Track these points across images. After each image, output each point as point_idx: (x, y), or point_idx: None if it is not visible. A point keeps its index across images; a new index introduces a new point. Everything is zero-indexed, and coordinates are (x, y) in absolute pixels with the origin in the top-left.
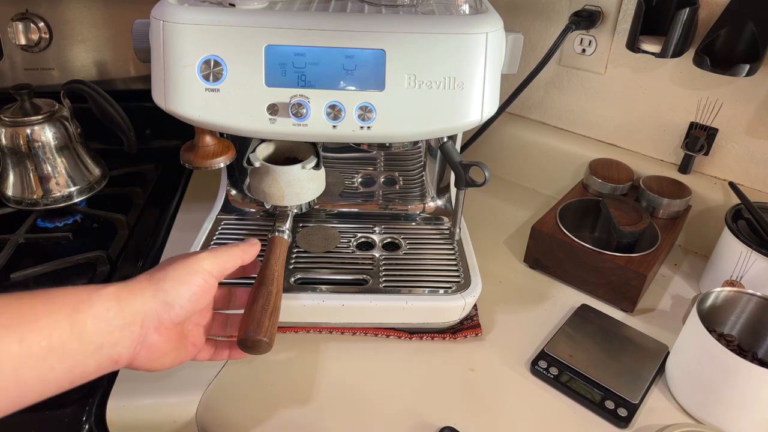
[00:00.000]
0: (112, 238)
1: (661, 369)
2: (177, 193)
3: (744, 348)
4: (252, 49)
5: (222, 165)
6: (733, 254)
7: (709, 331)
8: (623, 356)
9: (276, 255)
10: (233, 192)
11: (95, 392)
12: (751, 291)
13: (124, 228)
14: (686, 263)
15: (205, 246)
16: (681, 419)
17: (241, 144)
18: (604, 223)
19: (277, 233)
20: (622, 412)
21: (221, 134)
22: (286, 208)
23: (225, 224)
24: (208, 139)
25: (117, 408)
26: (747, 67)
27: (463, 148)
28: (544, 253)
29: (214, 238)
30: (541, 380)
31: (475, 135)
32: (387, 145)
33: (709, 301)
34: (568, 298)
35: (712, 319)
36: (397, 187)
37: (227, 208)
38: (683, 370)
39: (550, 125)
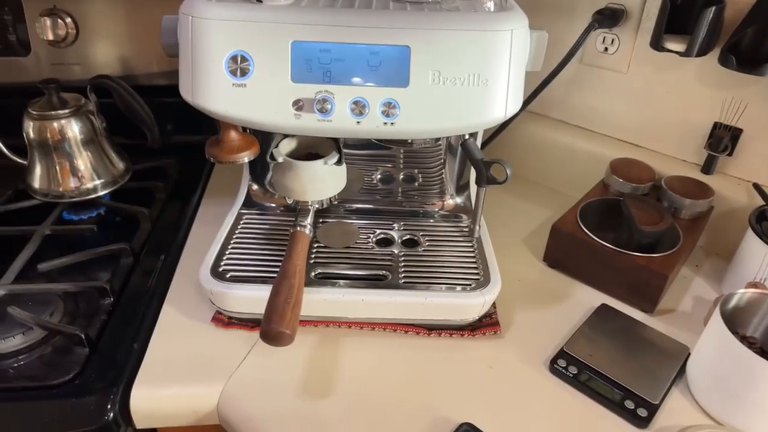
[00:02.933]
0: (134, 231)
1: (682, 370)
2: (198, 188)
3: (767, 350)
4: (278, 45)
5: (246, 160)
6: (757, 256)
7: (732, 333)
8: (643, 357)
9: (298, 250)
10: (255, 187)
11: (119, 381)
12: None
13: (147, 221)
14: (708, 265)
15: (225, 244)
16: (702, 421)
17: (263, 139)
18: (625, 223)
19: (299, 228)
20: (642, 412)
21: (245, 129)
22: (308, 203)
23: (247, 218)
24: (233, 135)
25: (140, 397)
26: None
27: (483, 145)
28: (564, 252)
29: (237, 232)
30: (560, 379)
31: (495, 133)
32: (409, 141)
33: (733, 303)
34: (588, 298)
35: (734, 321)
36: (417, 184)
37: (249, 202)
38: (704, 371)
39: (571, 124)
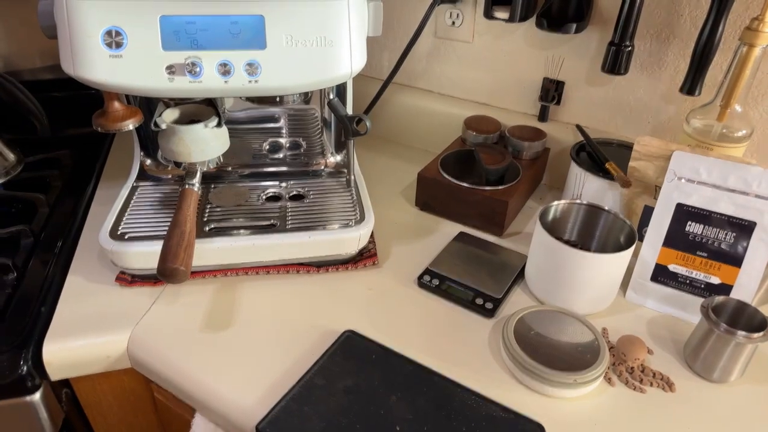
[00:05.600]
0: (33, 217)
1: (522, 273)
2: (94, 174)
3: (583, 249)
4: (148, 20)
5: (131, 127)
6: (577, 179)
7: (555, 238)
8: (491, 266)
9: (187, 203)
10: (148, 162)
11: (30, 339)
12: (579, 200)
13: (44, 206)
14: (550, 196)
15: (123, 212)
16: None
17: (151, 113)
18: (477, 167)
19: (187, 186)
20: (489, 305)
21: (129, 101)
22: (195, 165)
23: (142, 189)
24: (117, 105)
25: (52, 350)
26: (574, 25)
27: None
28: (430, 195)
29: (133, 200)
30: (426, 290)
31: (371, 105)
32: (277, 99)
33: (551, 214)
34: (451, 230)
35: (555, 229)
36: (302, 150)
37: (143, 176)
38: (535, 267)
39: (433, 92)
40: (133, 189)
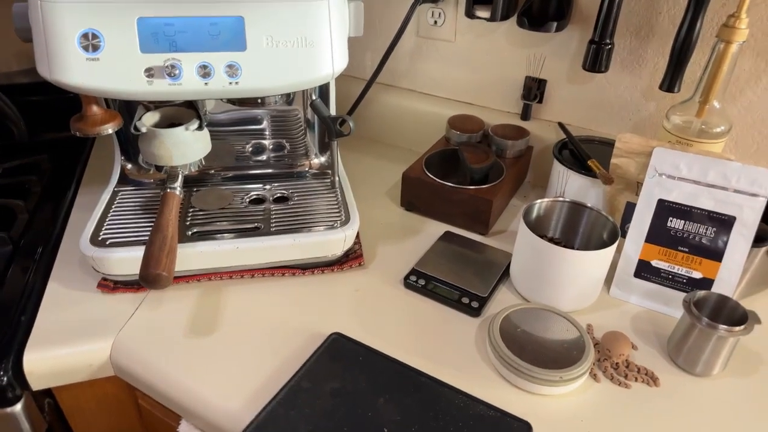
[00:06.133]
0: (12, 224)
1: (507, 271)
2: (74, 179)
3: (566, 246)
4: (125, 22)
5: (111, 131)
6: (560, 176)
7: (539, 236)
8: (476, 265)
9: (169, 206)
10: (129, 166)
11: (10, 349)
12: (562, 198)
13: (24, 213)
14: (533, 195)
15: (103, 217)
16: (517, 302)
17: (131, 116)
18: (461, 165)
19: (168, 190)
20: (475, 304)
21: (108, 105)
22: (176, 168)
23: (123, 194)
24: (95, 109)
25: (33, 360)
26: (555, 24)
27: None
28: (415, 195)
29: (114, 205)
30: (412, 290)
31: (354, 105)
32: (259, 101)
33: (534, 211)
34: (437, 230)
35: (539, 227)
36: (285, 151)
37: (124, 180)
38: (519, 265)
39: (417, 91)
40: (114, 194)
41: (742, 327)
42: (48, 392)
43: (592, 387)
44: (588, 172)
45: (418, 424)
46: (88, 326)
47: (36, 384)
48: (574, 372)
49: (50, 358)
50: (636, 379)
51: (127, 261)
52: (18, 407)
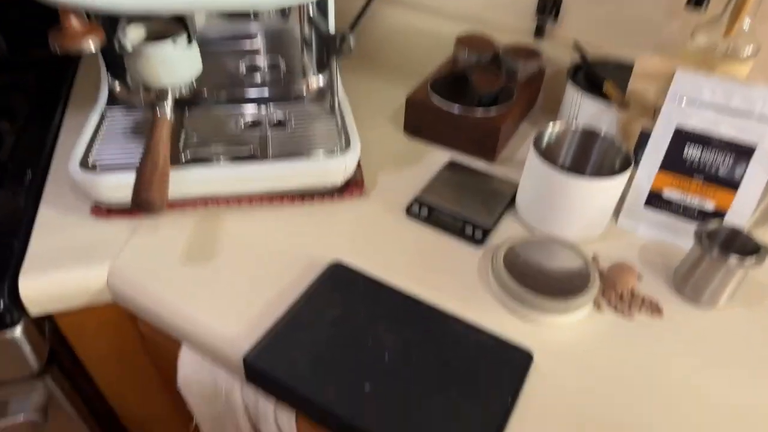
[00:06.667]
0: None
1: (513, 201)
2: (61, 99)
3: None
4: None
5: (92, 46)
6: (573, 101)
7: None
8: (482, 195)
9: (159, 129)
10: (117, 87)
11: (4, 274)
12: (574, 124)
13: (11, 135)
14: (544, 120)
15: (92, 140)
16: (523, 233)
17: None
18: (469, 89)
19: (158, 111)
20: (479, 234)
21: (89, 18)
22: (165, 88)
23: (111, 117)
24: (74, 21)
25: (29, 285)
26: None
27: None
28: (419, 119)
29: (103, 128)
30: (415, 220)
31: (355, 22)
32: (252, 16)
33: (545, 138)
34: (441, 157)
35: (548, 155)
36: (281, 72)
37: (113, 102)
38: (527, 194)
39: (423, 5)
40: (103, 116)
41: (753, 259)
42: (48, 317)
43: (595, 317)
44: (603, 96)
45: (418, 351)
46: (83, 252)
47: (33, 309)
48: (577, 301)
49: (46, 283)
50: (640, 310)
51: (118, 186)
52: (17, 331)
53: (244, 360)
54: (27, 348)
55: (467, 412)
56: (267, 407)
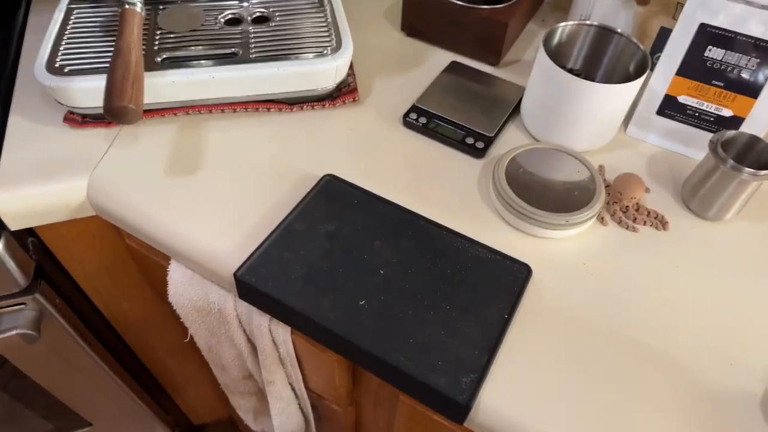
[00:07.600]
0: None
1: (518, 108)
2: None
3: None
4: None
5: None
6: None
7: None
8: (484, 101)
9: (129, 26)
10: None
11: None
12: (589, 22)
13: None
14: (553, 19)
15: (59, 40)
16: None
17: None
18: None
19: (127, 6)
20: (480, 144)
21: None
22: None
23: (78, 12)
24: None
25: (5, 199)
26: None
27: None
28: (418, 16)
29: (69, 26)
30: (412, 129)
31: None
32: None
33: (556, 37)
34: (442, 60)
35: (560, 57)
36: None
37: None
38: (533, 100)
39: None
40: (69, 12)
41: None
42: (31, 232)
43: (599, 230)
44: None
45: (414, 266)
46: (60, 164)
47: (13, 224)
48: (581, 216)
49: (23, 197)
50: (645, 223)
51: (91, 91)
52: None
53: (235, 276)
54: (11, 263)
55: (464, 326)
56: (261, 321)
